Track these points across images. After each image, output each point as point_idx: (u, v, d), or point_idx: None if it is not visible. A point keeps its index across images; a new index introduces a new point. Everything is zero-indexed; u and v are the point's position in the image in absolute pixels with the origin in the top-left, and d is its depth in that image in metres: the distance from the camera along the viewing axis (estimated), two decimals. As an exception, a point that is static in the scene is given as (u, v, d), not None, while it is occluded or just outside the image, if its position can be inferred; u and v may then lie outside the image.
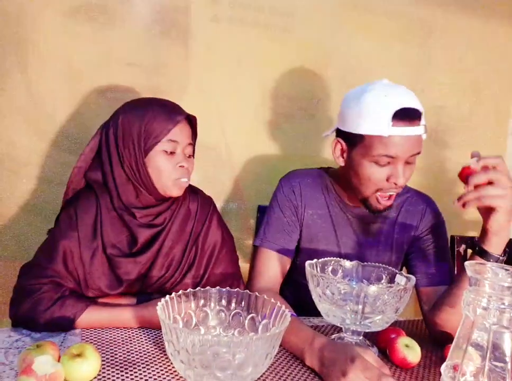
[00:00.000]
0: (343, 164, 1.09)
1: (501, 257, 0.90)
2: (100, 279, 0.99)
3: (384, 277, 1.01)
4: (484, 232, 0.90)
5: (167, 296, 0.77)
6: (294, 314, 0.97)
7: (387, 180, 1.01)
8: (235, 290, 0.84)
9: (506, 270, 0.75)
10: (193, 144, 1.07)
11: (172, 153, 1.00)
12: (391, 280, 0.99)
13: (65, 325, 0.90)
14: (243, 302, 0.83)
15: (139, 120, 0.98)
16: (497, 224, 0.87)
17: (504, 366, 0.71)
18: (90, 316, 0.92)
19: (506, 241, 0.90)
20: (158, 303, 0.73)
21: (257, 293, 0.83)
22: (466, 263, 0.78)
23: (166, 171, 0.99)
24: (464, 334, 0.75)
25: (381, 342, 0.95)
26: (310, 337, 0.86)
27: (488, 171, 0.84)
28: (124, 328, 0.94)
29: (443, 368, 0.79)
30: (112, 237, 1.01)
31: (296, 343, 0.88)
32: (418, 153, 1.01)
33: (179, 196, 1.05)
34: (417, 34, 1.71)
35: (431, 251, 1.13)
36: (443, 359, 0.82)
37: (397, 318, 0.90)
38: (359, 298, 0.84)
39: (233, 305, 0.84)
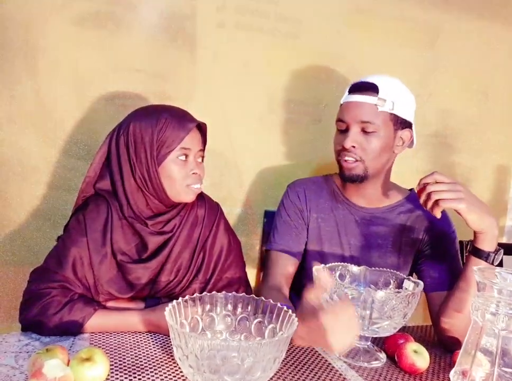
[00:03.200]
0: None
1: (491, 253, 0.93)
2: (109, 284, 0.99)
3: (392, 282, 1.01)
4: (473, 232, 0.95)
5: (174, 301, 0.77)
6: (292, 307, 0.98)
7: (340, 144, 1.11)
8: (241, 294, 0.84)
9: (515, 275, 0.75)
10: (203, 150, 1.08)
11: (184, 160, 1.00)
12: (399, 285, 0.98)
13: (73, 329, 0.91)
14: (249, 307, 0.84)
15: (151, 129, 0.97)
16: (474, 224, 0.91)
17: (514, 372, 0.70)
18: (98, 320, 0.92)
19: (494, 235, 0.93)
20: (166, 308, 0.73)
21: (263, 298, 0.83)
22: (475, 268, 0.78)
23: (179, 179, 1.00)
24: (473, 339, 0.75)
25: (389, 347, 0.95)
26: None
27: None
28: (132, 333, 0.94)
29: (452, 373, 0.79)
30: (122, 245, 1.01)
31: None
32: (370, 122, 1.07)
33: (189, 202, 1.06)
34: (424, 38, 1.71)
35: (440, 256, 1.13)
36: (452, 365, 0.82)
37: (405, 323, 0.90)
38: (367, 303, 0.84)
39: (239, 309, 0.84)
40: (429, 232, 1.16)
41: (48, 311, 0.91)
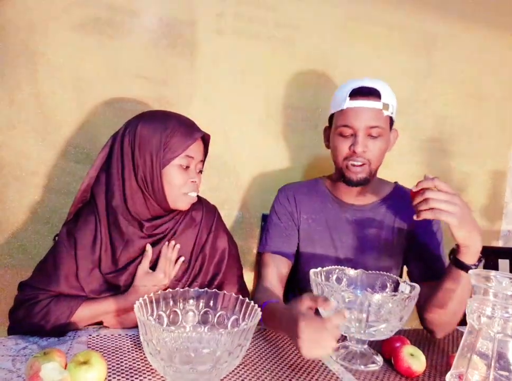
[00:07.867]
0: (328, 147, 1.23)
1: (473, 267, 0.94)
2: (102, 293, 1.00)
3: (388, 285, 1.01)
4: (457, 243, 0.96)
5: (141, 299, 0.78)
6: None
7: (349, 149, 1.12)
8: (203, 290, 0.86)
9: (511, 278, 0.75)
10: (203, 161, 1.09)
11: (186, 168, 1.02)
12: (396, 288, 0.99)
13: (62, 320, 0.92)
14: (211, 302, 0.86)
15: (160, 132, 0.99)
16: (460, 239, 0.93)
17: (510, 375, 0.71)
18: (85, 310, 0.95)
19: (477, 251, 0.95)
20: (135, 305, 0.74)
21: (225, 292, 0.85)
22: (470, 272, 0.78)
23: (179, 185, 1.02)
24: (469, 343, 0.75)
25: (385, 350, 0.95)
26: (283, 318, 0.89)
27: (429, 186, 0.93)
28: (129, 335, 0.94)
29: (448, 377, 0.80)
30: (112, 254, 1.02)
31: (278, 326, 0.93)
32: (377, 127, 1.10)
33: (183, 210, 1.07)
34: (419, 45, 1.73)
35: (423, 246, 1.17)
36: (448, 368, 0.82)
37: (402, 327, 0.90)
38: (363, 306, 0.84)
39: (201, 304, 0.86)
40: (415, 226, 1.19)
41: (34, 310, 0.94)
